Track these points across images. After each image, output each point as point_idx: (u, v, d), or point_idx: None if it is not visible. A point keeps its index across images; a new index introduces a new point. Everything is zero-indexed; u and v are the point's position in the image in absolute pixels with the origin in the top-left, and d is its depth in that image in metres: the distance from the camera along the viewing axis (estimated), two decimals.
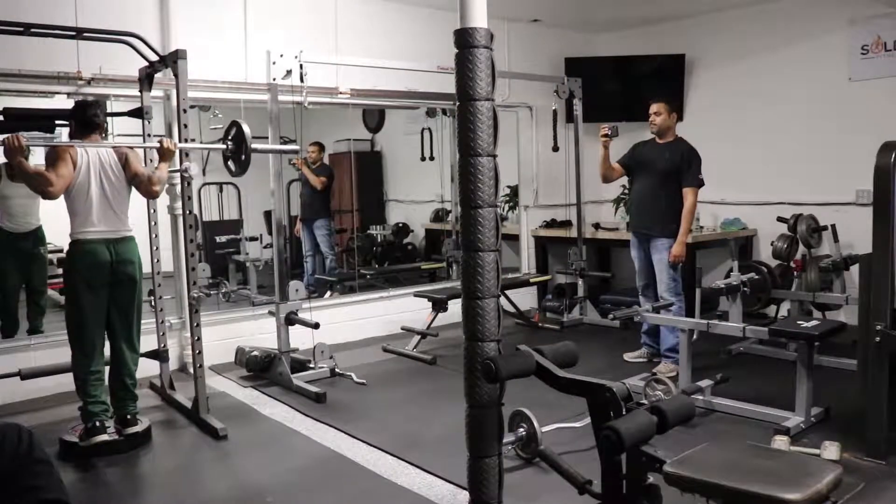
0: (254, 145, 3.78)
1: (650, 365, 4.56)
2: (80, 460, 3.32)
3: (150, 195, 3.62)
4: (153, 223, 4.20)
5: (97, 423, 3.39)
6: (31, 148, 5.30)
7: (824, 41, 5.78)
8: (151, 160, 4.22)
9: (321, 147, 7.33)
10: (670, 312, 4.41)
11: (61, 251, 6.26)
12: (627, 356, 4.83)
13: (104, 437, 3.38)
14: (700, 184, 4.58)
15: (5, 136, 3.05)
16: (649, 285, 4.72)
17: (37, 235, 5.23)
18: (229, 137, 3.84)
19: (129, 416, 3.54)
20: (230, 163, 3.90)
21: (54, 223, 5.88)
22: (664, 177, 4.60)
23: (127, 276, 3.47)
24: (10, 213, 5.06)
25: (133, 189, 3.56)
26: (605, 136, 4.68)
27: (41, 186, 3.21)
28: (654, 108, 4.67)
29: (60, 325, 4.58)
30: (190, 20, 4.81)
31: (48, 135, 4.17)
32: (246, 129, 3.75)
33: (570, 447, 3.32)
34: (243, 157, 3.78)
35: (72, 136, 3.52)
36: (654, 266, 4.64)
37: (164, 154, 3.54)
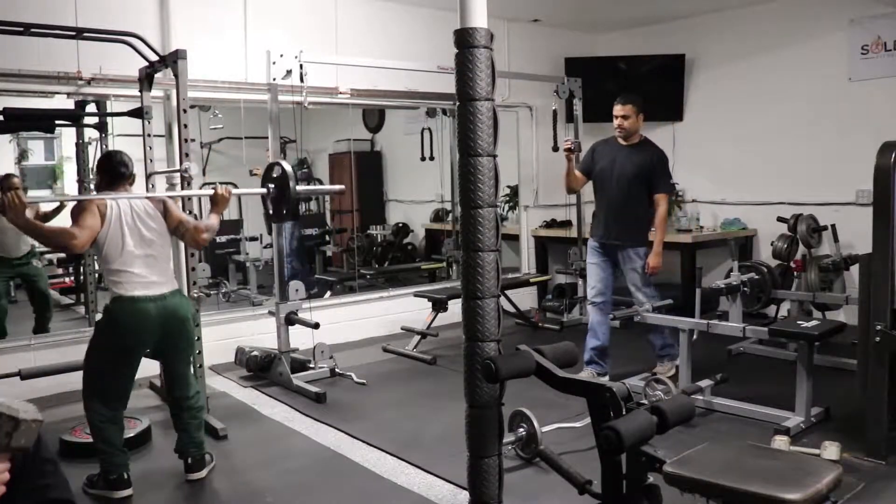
0: (298, 187, 3.44)
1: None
2: (79, 460, 3.31)
3: (198, 245, 3.29)
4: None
5: (124, 476, 3.00)
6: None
7: (824, 41, 5.78)
8: (151, 160, 4.22)
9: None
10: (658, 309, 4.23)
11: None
12: (659, 372, 4.25)
13: (128, 493, 3.00)
14: (672, 189, 4.35)
15: (4, 194, 2.67)
16: (606, 300, 4.37)
17: (30, 253, 5.25)
18: (271, 180, 3.49)
19: (192, 459, 3.17)
20: (270, 208, 3.53)
21: (53, 222, 5.91)
22: (633, 182, 4.27)
23: (179, 334, 3.11)
24: (4, 243, 5.05)
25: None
26: (569, 150, 4.36)
27: (62, 240, 2.87)
28: (621, 109, 4.28)
29: (62, 326, 4.60)
30: (190, 20, 4.81)
31: (49, 135, 4.12)
32: (288, 168, 3.43)
33: (570, 447, 3.32)
34: (286, 204, 3.43)
35: (98, 188, 3.21)
36: (612, 278, 4.38)
37: (218, 202, 3.25)
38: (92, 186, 5.44)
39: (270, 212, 3.58)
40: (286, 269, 6.70)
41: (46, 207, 5.36)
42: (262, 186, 3.56)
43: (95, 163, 3.35)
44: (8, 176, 5.31)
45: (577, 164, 4.57)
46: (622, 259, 4.35)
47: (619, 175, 4.29)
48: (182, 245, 4.05)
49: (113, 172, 3.11)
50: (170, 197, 3.28)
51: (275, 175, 3.49)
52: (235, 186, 7.55)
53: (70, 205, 3.14)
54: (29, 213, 5.26)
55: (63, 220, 5.56)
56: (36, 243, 5.12)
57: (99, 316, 3.19)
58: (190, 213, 3.56)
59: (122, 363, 3.02)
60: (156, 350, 3.13)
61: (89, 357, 3.06)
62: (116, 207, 2.99)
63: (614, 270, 4.44)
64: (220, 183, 3.47)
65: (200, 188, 3.63)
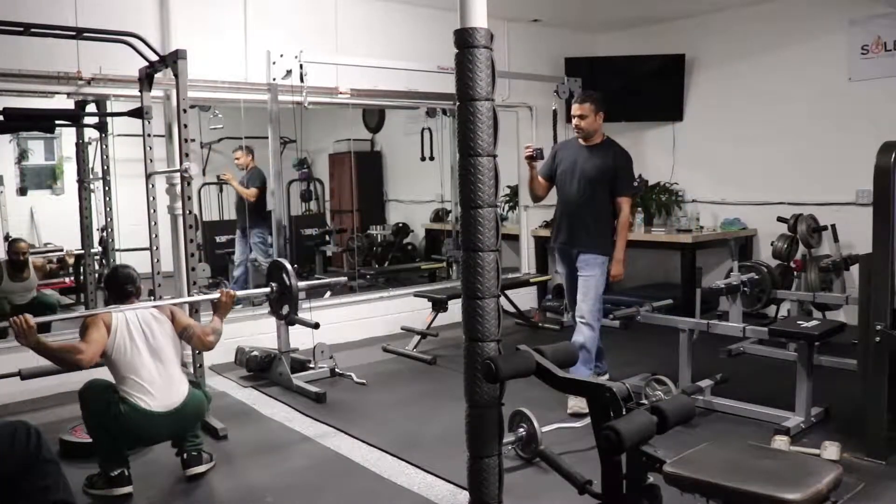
0: (300, 283, 3.69)
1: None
2: (79, 460, 3.31)
3: (206, 347, 3.31)
4: (153, 223, 4.20)
5: (125, 473, 3.00)
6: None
7: (824, 41, 5.78)
8: (151, 160, 4.22)
9: (250, 151, 6.60)
10: (585, 347, 3.81)
11: (61, 250, 6.30)
12: (572, 405, 3.77)
13: (129, 490, 3.01)
14: (635, 191, 4.06)
15: (12, 319, 2.73)
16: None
17: (35, 297, 5.37)
18: (274, 280, 3.71)
19: (187, 455, 3.18)
20: (273, 305, 3.78)
21: (53, 222, 5.93)
22: (593, 184, 3.98)
23: (193, 428, 3.16)
24: (12, 301, 5.16)
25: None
26: (530, 157, 3.97)
27: (70, 358, 2.87)
28: (577, 108, 3.99)
29: (63, 325, 4.58)
30: (190, 20, 4.81)
31: (49, 135, 4.14)
32: (289, 268, 3.70)
33: (570, 447, 3.32)
34: (289, 302, 3.66)
35: (107, 303, 3.33)
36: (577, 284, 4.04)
37: (222, 307, 3.33)
38: (92, 187, 5.46)
39: (272, 307, 3.89)
40: (238, 275, 6.49)
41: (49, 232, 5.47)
42: (265, 286, 3.85)
43: (104, 280, 3.47)
44: (15, 241, 5.46)
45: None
46: (579, 263, 4.03)
47: (579, 177, 4.01)
48: (182, 245, 4.06)
49: (120, 292, 3.19)
50: (175, 304, 3.35)
51: (278, 275, 3.65)
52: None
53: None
54: (35, 275, 5.35)
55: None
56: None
57: None
58: (196, 311, 3.65)
59: (123, 444, 3.05)
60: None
61: (88, 425, 3.05)
62: (123, 317, 3.04)
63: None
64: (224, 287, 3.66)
65: (200, 189, 3.69)
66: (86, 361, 2.89)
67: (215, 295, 3.36)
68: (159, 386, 3.00)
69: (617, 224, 4.04)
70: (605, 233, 4.02)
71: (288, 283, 3.64)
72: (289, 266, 3.65)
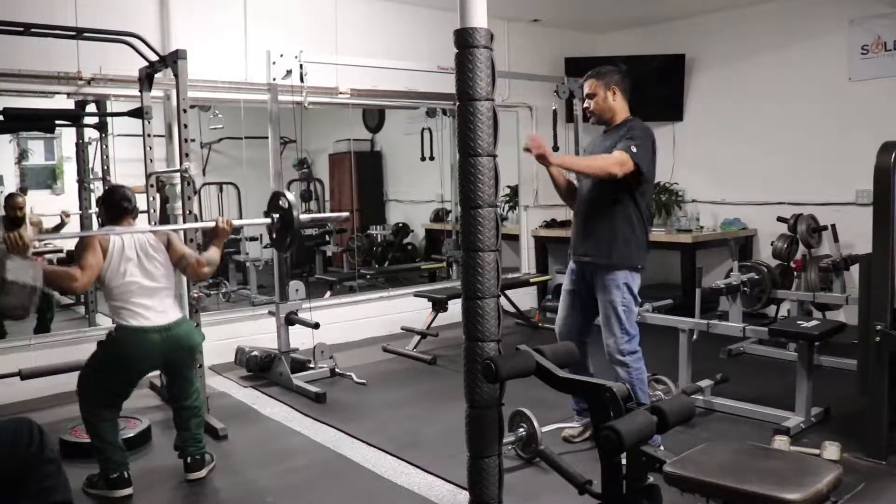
0: (302, 217, 3.52)
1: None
2: (79, 460, 3.31)
3: (199, 277, 3.32)
4: (153, 223, 4.20)
5: (124, 475, 3.00)
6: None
7: (824, 41, 5.78)
8: (151, 160, 4.22)
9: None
10: (632, 387, 2.94)
11: (60, 251, 6.30)
12: (566, 432, 3.47)
13: (129, 491, 3.00)
14: (632, 154, 3.06)
15: (5, 234, 2.69)
16: (581, 334, 3.36)
17: None
18: (275, 210, 3.59)
19: (190, 459, 3.18)
20: (274, 237, 3.64)
21: (53, 222, 5.92)
22: (602, 179, 3.15)
23: (184, 362, 3.16)
24: None
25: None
26: (532, 153, 3.05)
27: (64, 284, 2.89)
28: (586, 87, 3.33)
29: (62, 326, 4.60)
30: (190, 20, 4.81)
31: (49, 135, 4.13)
32: (291, 198, 3.54)
33: (570, 447, 3.32)
34: (291, 234, 3.53)
35: (103, 223, 3.26)
36: (587, 312, 3.35)
37: (219, 234, 3.27)
38: (92, 187, 5.45)
39: (273, 239, 3.66)
40: None
41: (48, 222, 5.40)
42: (267, 216, 3.62)
43: (98, 198, 3.38)
44: (12, 196, 5.36)
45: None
46: (596, 283, 3.25)
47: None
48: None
49: (116, 208, 3.14)
50: (172, 230, 3.32)
51: (279, 205, 3.57)
52: (235, 186, 7.57)
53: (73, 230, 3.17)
54: (32, 231, 5.32)
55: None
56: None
57: (97, 326, 3.18)
58: (192, 240, 3.61)
59: (120, 386, 3.07)
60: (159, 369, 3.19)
61: (87, 375, 3.06)
62: (119, 241, 3.02)
63: (592, 301, 3.30)
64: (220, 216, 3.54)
65: (200, 189, 3.67)
66: (80, 287, 2.92)
67: (212, 223, 3.30)
68: (152, 309, 3.01)
69: (640, 231, 3.23)
70: (618, 239, 3.18)
71: (289, 209, 3.50)
72: (290, 195, 3.56)
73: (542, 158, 2.97)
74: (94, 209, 5.44)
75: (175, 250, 3.18)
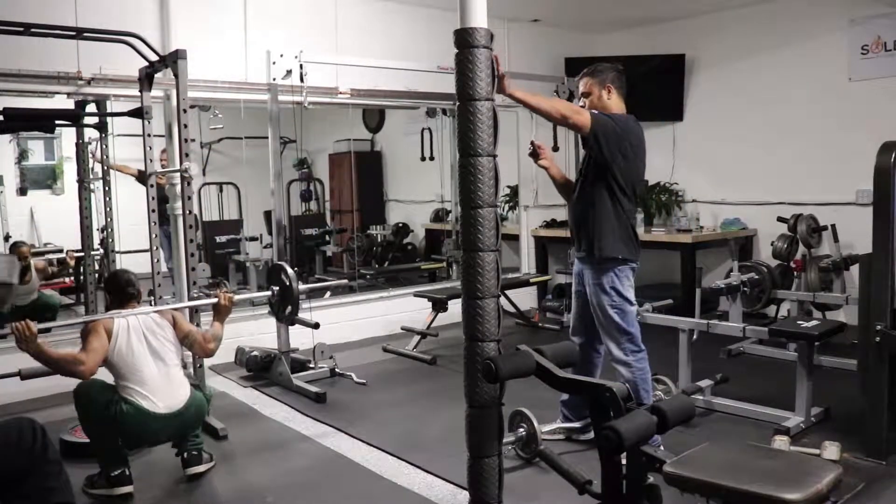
0: (301, 286, 3.67)
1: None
2: (79, 460, 3.31)
3: (206, 354, 3.31)
4: (153, 223, 4.20)
5: (125, 472, 2.99)
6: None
7: (824, 41, 5.78)
8: (151, 160, 4.22)
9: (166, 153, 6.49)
10: (636, 387, 3.13)
11: (60, 251, 6.30)
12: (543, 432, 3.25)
13: (129, 489, 3.00)
14: (593, 114, 3.10)
15: (13, 324, 2.74)
16: (585, 340, 3.38)
17: (38, 298, 5.37)
18: (275, 283, 3.72)
19: (187, 454, 3.17)
20: (274, 308, 3.79)
21: (53, 222, 5.93)
22: (589, 172, 3.22)
23: (193, 431, 3.15)
24: (14, 304, 5.13)
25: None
26: (534, 155, 3.31)
27: (71, 368, 2.87)
28: (580, 86, 3.35)
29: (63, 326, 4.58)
30: (190, 20, 4.81)
31: (49, 135, 4.14)
32: (291, 272, 3.69)
33: (570, 447, 3.32)
34: (291, 303, 3.66)
35: (108, 307, 3.32)
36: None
37: (221, 311, 3.32)
38: (92, 187, 5.45)
39: (273, 309, 3.86)
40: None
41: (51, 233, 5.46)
42: (267, 289, 3.80)
43: (105, 284, 3.43)
44: (17, 245, 5.44)
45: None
46: (586, 286, 3.29)
47: (579, 168, 3.39)
48: (182, 245, 4.06)
49: (122, 294, 3.18)
50: (175, 309, 3.34)
51: (280, 279, 3.64)
52: (235, 186, 7.57)
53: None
54: (37, 277, 5.30)
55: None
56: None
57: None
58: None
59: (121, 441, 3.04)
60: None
61: (81, 400, 3.02)
62: (125, 322, 3.04)
63: None
64: (225, 290, 3.54)
65: (200, 188, 3.67)
66: (87, 372, 2.89)
67: (214, 300, 3.36)
68: (161, 387, 3.00)
69: (621, 226, 3.20)
70: (599, 234, 3.17)
71: (289, 285, 3.65)
72: (289, 269, 3.66)
73: (501, 80, 2.44)
74: (94, 217, 5.46)
75: (180, 328, 3.21)
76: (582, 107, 3.30)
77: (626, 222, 3.21)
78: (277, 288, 3.73)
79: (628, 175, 3.19)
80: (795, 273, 5.23)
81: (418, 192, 8.32)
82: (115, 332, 3.00)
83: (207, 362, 4.09)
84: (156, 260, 4.21)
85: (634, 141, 3.20)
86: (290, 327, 4.63)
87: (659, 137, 6.86)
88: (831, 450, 3.08)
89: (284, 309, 3.74)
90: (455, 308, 4.78)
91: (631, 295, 3.22)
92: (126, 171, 5.73)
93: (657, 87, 6.69)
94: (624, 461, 1.93)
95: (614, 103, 3.28)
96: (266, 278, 3.91)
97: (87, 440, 3.11)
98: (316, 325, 4.49)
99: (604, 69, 3.33)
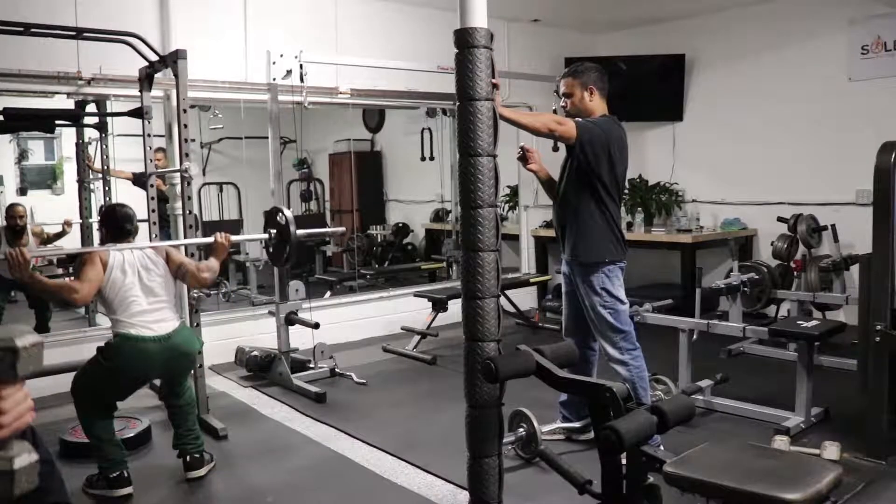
0: (298, 231, 3.55)
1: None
2: (79, 460, 3.31)
3: (201, 283, 3.31)
4: (153, 223, 4.20)
5: (124, 474, 3.00)
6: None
7: (824, 41, 5.78)
8: (151, 160, 4.22)
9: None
10: (634, 386, 3.10)
11: (60, 251, 6.28)
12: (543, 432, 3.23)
13: (128, 490, 3.00)
14: (577, 122, 3.13)
15: (7, 251, 2.74)
16: (580, 336, 3.34)
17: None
18: (273, 226, 3.61)
19: (189, 458, 3.18)
20: (271, 252, 3.67)
21: (53, 222, 5.92)
22: (569, 174, 3.27)
23: (183, 368, 3.19)
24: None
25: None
26: (522, 160, 3.41)
27: (65, 296, 2.90)
28: (562, 86, 3.34)
29: (62, 325, 4.60)
30: (190, 20, 4.81)
31: (49, 135, 4.13)
32: (289, 215, 3.55)
33: (570, 447, 3.32)
34: (287, 250, 3.56)
35: (103, 241, 3.27)
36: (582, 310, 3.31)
37: (218, 249, 3.31)
38: (92, 187, 5.46)
39: (270, 253, 3.70)
40: None
41: (50, 229, 5.42)
42: (264, 232, 3.66)
43: (99, 215, 3.41)
44: (13, 205, 5.37)
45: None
46: (577, 287, 3.32)
47: (562, 170, 3.39)
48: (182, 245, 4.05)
49: (118, 230, 3.17)
50: (172, 246, 3.34)
51: (277, 221, 3.57)
52: (235, 186, 7.58)
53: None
54: (34, 242, 5.28)
55: (67, 241, 5.61)
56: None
57: (97, 326, 3.18)
58: (192, 256, 3.64)
59: (115, 394, 3.09)
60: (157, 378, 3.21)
61: (82, 378, 3.06)
62: (119, 256, 3.04)
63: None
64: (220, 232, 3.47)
65: (200, 188, 3.65)
66: (80, 300, 2.93)
67: (210, 239, 3.34)
68: (151, 316, 3.03)
69: (606, 227, 3.21)
70: (584, 236, 3.21)
71: (287, 226, 3.50)
72: (287, 211, 3.57)
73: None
74: (94, 217, 5.45)
75: (173, 260, 3.20)
76: (564, 107, 3.33)
77: (611, 224, 3.22)
78: (275, 231, 3.61)
79: (613, 178, 3.20)
80: (795, 273, 5.23)
81: (418, 192, 8.32)
82: (111, 265, 3.01)
83: (207, 362, 4.09)
84: None
85: (619, 144, 3.21)
86: (290, 327, 4.63)
87: (659, 137, 6.87)
88: (831, 450, 3.08)
89: (283, 253, 3.59)
90: (455, 308, 4.78)
91: (622, 294, 3.23)
92: (121, 175, 5.74)
93: (657, 87, 6.70)
94: (624, 461, 1.93)
95: (596, 104, 3.28)
96: (263, 224, 3.74)
97: (87, 440, 3.10)
98: (316, 325, 4.49)
99: (585, 69, 3.31)
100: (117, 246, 3.08)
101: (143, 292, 3.05)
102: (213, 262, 3.27)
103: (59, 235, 5.74)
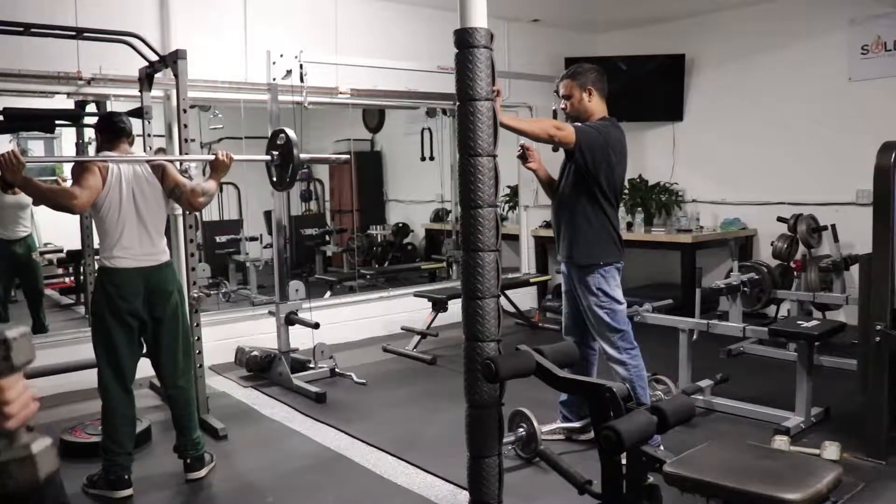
0: (302, 155, 3.48)
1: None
2: (79, 460, 3.31)
3: (193, 207, 3.24)
4: None
5: (125, 477, 2.99)
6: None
7: (824, 41, 5.78)
8: (151, 148, 4.22)
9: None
10: (632, 385, 3.08)
11: (60, 251, 6.30)
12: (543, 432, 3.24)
13: (129, 492, 3.00)
14: (576, 127, 3.12)
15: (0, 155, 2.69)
16: (577, 340, 3.32)
17: (27, 243, 5.26)
18: (275, 147, 3.54)
19: (190, 459, 3.19)
20: (274, 175, 3.60)
21: (53, 222, 5.92)
22: (568, 176, 3.29)
23: (165, 310, 3.08)
24: (2, 222, 5.07)
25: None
26: (522, 157, 3.43)
27: (63, 201, 2.84)
28: (561, 88, 3.36)
29: (63, 325, 4.60)
30: (190, 20, 4.81)
31: (49, 135, 4.11)
32: (292, 135, 3.48)
33: (570, 447, 3.32)
34: (291, 171, 3.48)
35: (98, 148, 3.21)
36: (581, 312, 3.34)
37: (218, 168, 3.22)
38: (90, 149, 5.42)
39: (274, 179, 3.60)
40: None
41: (47, 235, 5.41)
42: (267, 153, 3.57)
43: (96, 124, 3.35)
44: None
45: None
46: (574, 282, 3.34)
47: (561, 171, 3.40)
48: (182, 245, 4.05)
49: (112, 129, 3.10)
50: (170, 161, 3.26)
51: (279, 142, 3.52)
52: (235, 186, 7.58)
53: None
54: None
55: (68, 241, 5.60)
56: (30, 231, 5.20)
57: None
58: (185, 172, 3.53)
59: (119, 340, 3.00)
60: (150, 336, 3.10)
61: (98, 350, 3.03)
62: (117, 169, 2.98)
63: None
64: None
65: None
66: (79, 206, 2.88)
67: (211, 157, 3.25)
68: (139, 251, 3.01)
69: (602, 229, 3.22)
70: (579, 238, 3.23)
71: (289, 145, 3.38)
72: (290, 132, 3.53)
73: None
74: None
75: (169, 178, 3.12)
76: (563, 109, 3.34)
77: (608, 226, 3.23)
78: (277, 152, 3.51)
79: (612, 181, 3.21)
80: (795, 273, 5.23)
81: (418, 192, 8.32)
82: (109, 179, 2.95)
83: (208, 362, 4.08)
84: None
85: (618, 147, 3.22)
86: (290, 327, 4.63)
87: (659, 137, 6.87)
88: (831, 450, 3.08)
89: (286, 173, 3.49)
90: (455, 308, 4.78)
91: (618, 294, 3.24)
92: None
93: (657, 87, 6.70)
94: (624, 461, 1.93)
95: (595, 105, 3.28)
96: (266, 147, 3.68)
97: (88, 440, 3.10)
98: (316, 325, 4.49)
99: (584, 71, 3.32)
100: (115, 157, 3.02)
101: (135, 214, 3.00)
102: (211, 185, 3.19)
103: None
